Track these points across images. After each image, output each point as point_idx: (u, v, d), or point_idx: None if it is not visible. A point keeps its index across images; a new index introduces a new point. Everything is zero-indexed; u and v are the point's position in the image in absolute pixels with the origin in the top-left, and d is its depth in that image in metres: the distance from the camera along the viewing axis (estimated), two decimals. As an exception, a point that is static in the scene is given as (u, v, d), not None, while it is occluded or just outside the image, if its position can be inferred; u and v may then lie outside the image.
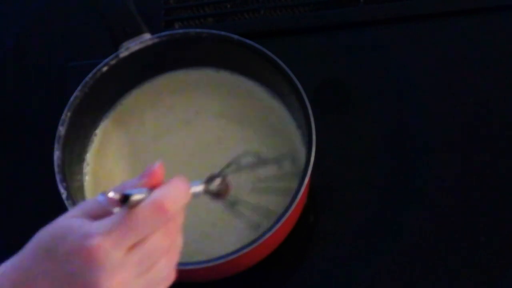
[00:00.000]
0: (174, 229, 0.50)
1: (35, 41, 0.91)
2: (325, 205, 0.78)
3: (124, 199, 0.47)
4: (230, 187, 0.59)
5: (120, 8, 0.73)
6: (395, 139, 0.80)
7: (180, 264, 0.65)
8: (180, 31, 0.74)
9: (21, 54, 0.90)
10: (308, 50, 0.85)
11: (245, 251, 0.64)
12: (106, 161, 0.75)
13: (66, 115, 0.70)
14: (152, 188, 0.49)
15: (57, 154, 0.69)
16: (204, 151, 0.75)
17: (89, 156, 0.75)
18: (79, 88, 0.71)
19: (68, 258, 0.47)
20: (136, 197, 0.47)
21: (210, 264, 0.64)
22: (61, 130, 0.69)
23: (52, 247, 0.48)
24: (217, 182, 0.58)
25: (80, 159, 0.74)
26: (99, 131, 0.76)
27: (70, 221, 0.49)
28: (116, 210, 0.48)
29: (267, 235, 0.64)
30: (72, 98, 0.70)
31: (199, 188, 0.55)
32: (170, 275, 0.52)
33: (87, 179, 0.74)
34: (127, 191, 0.47)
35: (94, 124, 0.76)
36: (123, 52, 0.72)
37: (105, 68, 0.72)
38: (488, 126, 0.80)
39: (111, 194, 0.47)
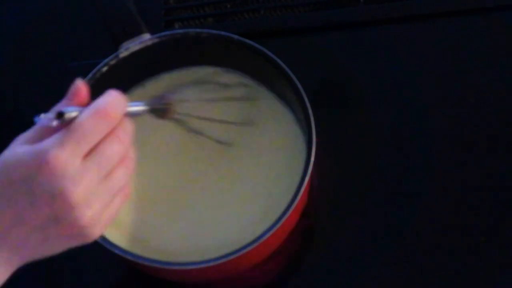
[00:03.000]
0: (125, 136, 0.53)
1: (35, 41, 0.91)
2: (325, 205, 0.78)
3: (60, 116, 0.50)
4: (173, 104, 0.63)
5: (120, 8, 0.73)
6: (395, 139, 0.80)
7: (180, 264, 0.66)
8: (180, 31, 0.74)
9: (21, 54, 0.90)
10: (308, 50, 0.85)
11: (245, 251, 0.64)
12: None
13: (66, 115, 0.70)
14: (82, 104, 0.52)
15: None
16: (204, 151, 0.75)
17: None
18: (79, 88, 0.71)
19: (27, 179, 0.49)
20: (71, 114, 0.51)
21: (210, 264, 0.64)
22: (61, 130, 0.69)
23: (7, 175, 0.50)
24: (160, 101, 0.62)
25: (80, 159, 0.74)
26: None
27: (16, 149, 0.51)
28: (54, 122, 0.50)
29: (267, 235, 0.64)
30: (72, 98, 0.70)
31: (139, 107, 0.59)
32: (127, 188, 0.55)
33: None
34: (61, 109, 0.51)
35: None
36: (123, 52, 0.72)
37: (105, 68, 0.72)
38: (488, 126, 0.80)
39: (44, 115, 0.51)
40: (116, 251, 0.65)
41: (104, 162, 0.51)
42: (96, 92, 0.71)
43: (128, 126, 0.54)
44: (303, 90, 0.69)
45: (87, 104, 0.53)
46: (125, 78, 0.76)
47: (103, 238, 0.65)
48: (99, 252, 0.66)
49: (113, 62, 0.72)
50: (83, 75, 0.71)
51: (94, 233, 0.53)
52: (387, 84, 0.83)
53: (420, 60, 0.84)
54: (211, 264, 0.64)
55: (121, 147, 0.53)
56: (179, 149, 0.75)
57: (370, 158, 0.79)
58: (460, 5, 0.85)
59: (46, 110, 0.84)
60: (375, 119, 0.81)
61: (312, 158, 0.67)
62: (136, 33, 0.73)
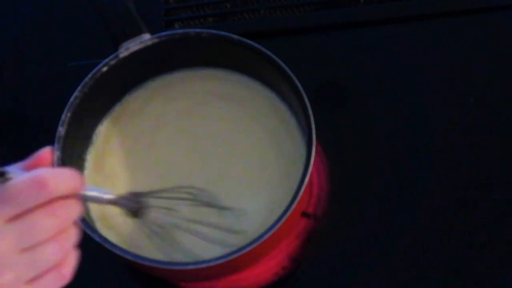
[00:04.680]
0: (64, 215, 0.49)
1: (35, 41, 0.91)
2: (326, 205, 0.78)
3: (1, 175, 0.47)
4: (144, 206, 0.61)
5: (120, 8, 0.73)
6: (395, 138, 0.80)
7: (180, 264, 0.66)
8: (180, 31, 0.74)
9: (21, 54, 0.90)
10: (308, 50, 0.85)
11: (245, 251, 0.64)
12: (106, 161, 0.75)
13: (66, 115, 0.70)
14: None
15: (57, 154, 0.68)
16: (204, 151, 0.75)
17: (89, 156, 0.75)
18: (79, 88, 0.71)
19: None
20: (12, 174, 0.48)
21: (210, 264, 0.64)
22: (61, 130, 0.69)
23: None
24: (131, 200, 0.59)
25: (80, 159, 0.74)
26: (99, 131, 0.76)
27: None
28: None
29: (267, 235, 0.64)
30: (72, 98, 0.70)
31: (102, 195, 0.54)
32: (62, 268, 0.50)
33: (88, 180, 0.74)
34: (4, 168, 0.48)
35: (94, 124, 0.76)
36: (123, 52, 0.72)
37: (105, 68, 0.72)
38: (488, 126, 0.80)
39: None
40: (116, 251, 0.65)
41: (27, 232, 0.47)
42: (96, 92, 0.72)
43: (72, 208, 0.50)
44: (303, 90, 0.69)
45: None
46: (125, 78, 0.76)
47: (103, 238, 0.65)
48: (99, 252, 0.66)
49: (113, 62, 0.72)
50: (83, 75, 0.71)
51: None
52: (387, 84, 0.83)
53: (420, 60, 0.84)
54: (211, 264, 0.64)
55: (53, 222, 0.48)
56: (179, 151, 0.75)
57: (370, 158, 0.79)
58: (460, 5, 0.85)
59: (46, 110, 0.84)
60: (375, 119, 0.81)
61: (312, 158, 0.67)
62: (136, 33, 0.73)
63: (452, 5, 0.85)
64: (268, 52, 0.71)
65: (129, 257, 0.65)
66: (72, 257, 0.51)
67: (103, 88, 0.73)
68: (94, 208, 0.72)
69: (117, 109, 0.77)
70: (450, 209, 0.76)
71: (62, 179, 0.49)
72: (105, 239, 0.66)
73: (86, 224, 0.65)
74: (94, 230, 0.66)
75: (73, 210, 0.50)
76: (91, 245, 0.65)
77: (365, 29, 0.86)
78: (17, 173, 0.48)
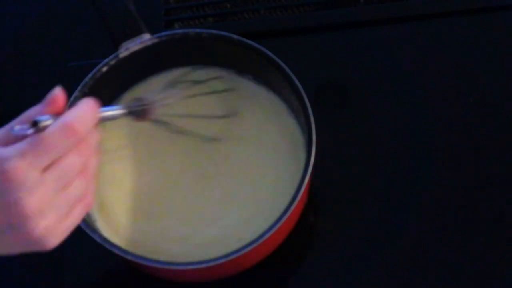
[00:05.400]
0: (86, 149, 0.53)
1: (35, 41, 0.91)
2: (325, 205, 0.78)
3: (34, 125, 0.51)
4: (152, 105, 0.64)
5: (120, 8, 0.73)
6: (395, 139, 0.80)
7: (180, 264, 0.66)
8: (180, 31, 0.74)
9: (21, 54, 0.90)
10: (308, 50, 0.85)
11: (245, 251, 0.64)
12: (106, 161, 0.75)
13: (66, 115, 0.70)
14: (57, 114, 0.52)
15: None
16: (204, 150, 0.75)
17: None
18: (79, 88, 0.71)
19: None
20: (44, 122, 0.51)
21: (210, 264, 0.64)
22: (61, 130, 0.69)
23: None
24: (138, 103, 0.63)
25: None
26: (99, 131, 0.76)
27: None
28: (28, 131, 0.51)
29: (267, 235, 0.64)
30: (72, 98, 0.70)
31: (116, 111, 0.59)
32: (88, 198, 0.55)
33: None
34: (36, 118, 0.51)
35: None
36: (123, 52, 0.72)
37: (105, 68, 0.72)
38: (488, 126, 0.80)
39: (19, 126, 0.51)
40: (116, 251, 0.65)
41: (62, 175, 0.52)
42: (96, 92, 0.72)
43: (92, 139, 0.54)
44: (303, 90, 0.69)
45: (62, 111, 0.53)
46: (125, 78, 0.76)
47: (103, 238, 0.65)
48: (99, 252, 0.66)
49: (113, 62, 0.72)
50: (83, 75, 0.71)
51: (51, 242, 0.53)
52: (387, 84, 0.83)
53: (420, 60, 0.84)
54: (211, 264, 0.64)
55: (80, 160, 0.53)
56: (177, 151, 0.75)
57: (370, 158, 0.79)
58: (460, 5, 0.85)
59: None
60: (375, 119, 0.81)
61: (312, 158, 0.67)
62: (136, 33, 0.73)
63: (452, 5, 0.85)
64: (268, 52, 0.71)
65: (129, 257, 0.65)
66: (92, 185, 0.56)
67: (103, 88, 0.72)
68: (94, 208, 0.72)
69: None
70: (450, 209, 0.76)
71: (86, 119, 0.53)
72: (105, 239, 0.66)
73: (86, 224, 0.65)
74: (94, 230, 0.66)
75: (93, 141, 0.54)
76: (91, 245, 0.65)
77: (365, 29, 0.86)
78: (49, 119, 0.51)
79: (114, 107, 0.60)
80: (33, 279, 0.77)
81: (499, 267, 0.73)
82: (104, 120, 0.57)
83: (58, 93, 0.53)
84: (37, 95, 0.86)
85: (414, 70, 0.83)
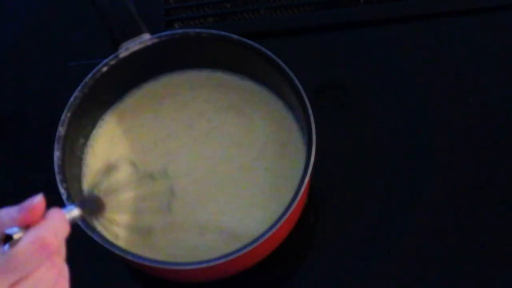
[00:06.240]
0: (59, 261, 0.51)
1: (35, 41, 0.91)
2: (325, 205, 0.78)
3: (8, 240, 0.48)
4: (104, 204, 0.61)
5: (120, 8, 0.73)
6: (395, 139, 0.80)
7: (180, 264, 0.66)
8: (180, 31, 0.74)
9: (21, 54, 0.90)
10: (308, 50, 0.85)
11: (245, 251, 0.64)
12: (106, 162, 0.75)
13: (66, 115, 0.70)
14: (31, 222, 0.49)
15: (57, 154, 0.68)
16: (205, 150, 0.75)
17: (89, 157, 0.75)
18: (79, 88, 0.71)
19: None
20: (16, 236, 0.48)
21: (210, 264, 0.64)
22: (61, 130, 0.69)
23: None
24: (90, 201, 0.60)
25: (80, 159, 0.74)
26: (99, 131, 0.76)
27: None
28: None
29: (267, 235, 0.64)
30: (72, 98, 0.70)
31: (74, 212, 0.55)
32: None
33: (87, 180, 0.74)
34: (8, 231, 0.48)
35: (94, 125, 0.76)
36: (123, 52, 0.72)
37: (105, 68, 0.72)
38: (488, 126, 0.80)
39: None
40: (116, 251, 0.65)
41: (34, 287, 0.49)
42: (96, 92, 0.72)
43: (64, 248, 0.52)
44: (303, 90, 0.69)
45: (37, 222, 0.50)
46: (125, 78, 0.76)
47: (103, 238, 0.65)
48: (99, 252, 0.66)
49: (113, 62, 0.72)
50: (83, 75, 0.71)
51: None
52: (387, 84, 0.83)
53: (420, 60, 0.84)
54: (211, 264, 0.64)
55: (55, 272, 0.50)
56: (179, 151, 0.75)
57: (370, 158, 0.79)
58: (460, 5, 0.85)
59: (46, 110, 0.84)
60: (375, 119, 0.81)
61: (312, 158, 0.67)
62: (136, 33, 0.73)
63: (452, 5, 0.85)
64: (268, 52, 0.71)
65: (129, 257, 0.65)
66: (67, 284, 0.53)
67: (103, 88, 0.73)
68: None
69: (117, 109, 0.77)
70: (450, 209, 0.76)
71: (59, 231, 0.50)
72: (105, 239, 0.66)
73: (86, 224, 0.65)
74: (94, 230, 0.66)
75: (64, 252, 0.52)
76: (91, 245, 0.65)
77: (365, 29, 0.86)
78: (19, 233, 0.48)
79: (71, 208, 0.55)
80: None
81: (499, 267, 0.73)
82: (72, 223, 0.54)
83: (39, 203, 0.50)
84: (37, 95, 0.87)
85: (414, 70, 0.83)
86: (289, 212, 0.65)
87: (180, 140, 0.75)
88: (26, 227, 0.49)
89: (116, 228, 0.68)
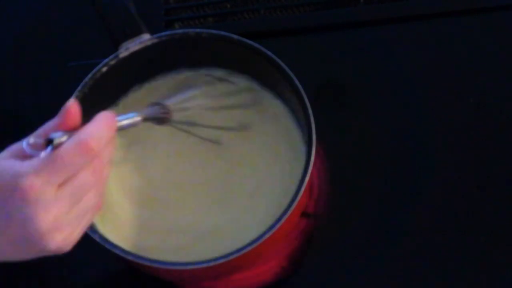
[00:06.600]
0: (100, 165, 0.54)
1: (35, 41, 0.91)
2: (326, 205, 0.78)
3: (49, 143, 0.51)
4: (170, 111, 0.65)
5: (119, 9, 0.73)
6: (395, 139, 0.80)
7: (180, 264, 0.66)
8: (180, 31, 0.74)
9: (21, 54, 0.90)
10: (308, 50, 0.85)
11: (245, 251, 0.64)
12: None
13: (66, 115, 0.70)
14: (71, 129, 0.53)
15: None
16: (205, 150, 0.75)
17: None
18: (78, 88, 0.71)
19: (3, 198, 0.50)
20: (59, 139, 0.51)
21: (210, 264, 0.64)
22: (61, 130, 0.69)
23: None
24: (156, 108, 0.63)
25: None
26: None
27: (1, 162, 0.52)
28: (42, 153, 0.51)
29: (267, 235, 0.64)
30: (72, 98, 0.70)
31: (133, 119, 0.59)
32: (98, 204, 0.56)
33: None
34: (50, 136, 0.52)
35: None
36: (123, 52, 0.72)
37: (105, 68, 0.72)
38: (488, 126, 0.80)
39: (32, 140, 0.51)
40: (116, 251, 0.65)
41: (76, 191, 0.52)
42: (96, 92, 0.72)
43: (106, 153, 0.55)
44: (303, 90, 0.69)
45: (77, 124, 0.53)
46: (125, 78, 0.76)
47: (103, 238, 0.65)
48: (99, 252, 0.66)
49: (113, 62, 0.72)
50: (83, 75, 0.71)
51: (65, 250, 0.54)
52: (387, 84, 0.83)
53: (420, 60, 0.84)
54: (211, 264, 0.64)
55: (94, 176, 0.53)
56: (179, 151, 0.75)
57: (370, 158, 0.79)
58: (460, 5, 0.85)
59: (46, 110, 0.84)
60: (375, 119, 0.81)
61: (312, 158, 0.67)
62: (136, 33, 0.72)
63: (452, 5, 0.85)
64: (268, 52, 0.71)
65: (129, 257, 0.65)
66: (103, 193, 0.56)
67: (103, 89, 0.73)
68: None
69: (117, 109, 0.77)
70: (450, 209, 0.76)
71: (102, 135, 0.53)
72: (105, 239, 0.66)
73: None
74: (94, 230, 0.66)
75: (107, 156, 0.55)
76: (91, 245, 0.65)
77: (365, 29, 0.86)
78: (63, 137, 0.51)
79: (131, 115, 0.60)
80: (33, 279, 0.77)
81: (499, 267, 0.73)
82: (122, 129, 0.58)
83: (71, 106, 0.54)
84: (37, 95, 0.87)
85: (414, 70, 0.83)
86: (289, 212, 0.65)
87: (180, 138, 0.75)
88: (71, 132, 0.52)
89: None
